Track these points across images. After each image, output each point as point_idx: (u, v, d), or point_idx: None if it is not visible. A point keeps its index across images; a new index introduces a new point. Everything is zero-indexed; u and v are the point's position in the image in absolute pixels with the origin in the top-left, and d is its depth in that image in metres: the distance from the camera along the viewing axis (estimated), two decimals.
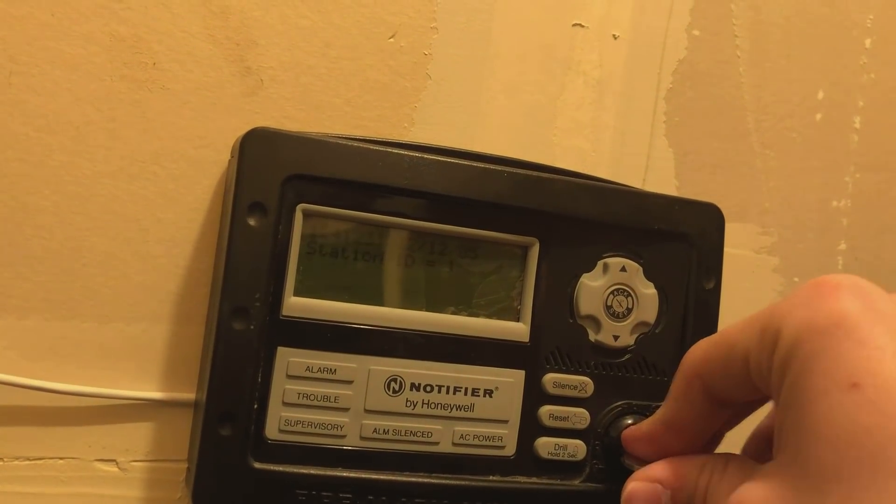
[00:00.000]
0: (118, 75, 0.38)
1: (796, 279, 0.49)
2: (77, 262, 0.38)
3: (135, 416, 0.39)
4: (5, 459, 0.38)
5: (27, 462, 0.38)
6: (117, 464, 0.39)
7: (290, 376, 0.37)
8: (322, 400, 0.37)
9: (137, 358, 0.39)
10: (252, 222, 0.36)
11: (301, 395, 0.37)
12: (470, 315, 0.39)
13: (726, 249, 0.47)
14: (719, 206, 0.43)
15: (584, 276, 0.41)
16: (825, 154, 0.50)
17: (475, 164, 0.39)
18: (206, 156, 0.40)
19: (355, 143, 0.38)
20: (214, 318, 0.36)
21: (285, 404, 0.37)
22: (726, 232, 0.48)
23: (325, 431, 0.37)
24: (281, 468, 0.36)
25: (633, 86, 0.47)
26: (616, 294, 0.41)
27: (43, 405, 0.38)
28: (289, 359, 0.37)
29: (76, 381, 0.38)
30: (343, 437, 0.37)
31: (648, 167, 0.47)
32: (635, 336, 0.42)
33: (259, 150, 0.36)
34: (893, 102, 0.52)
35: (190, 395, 0.40)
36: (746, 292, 0.49)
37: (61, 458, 0.38)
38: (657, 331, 0.42)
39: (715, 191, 0.48)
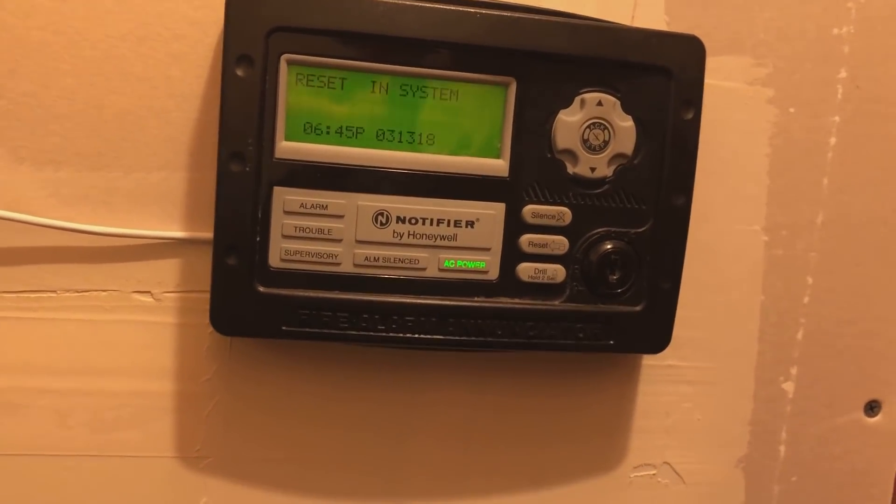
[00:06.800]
0: None
1: (792, 110, 0.50)
2: (99, 119, 0.43)
3: (163, 254, 0.45)
4: (58, 292, 0.44)
5: (76, 294, 0.44)
6: (152, 294, 0.45)
7: (286, 212, 0.41)
8: (317, 232, 0.42)
9: (161, 202, 0.44)
10: (240, 73, 0.40)
11: (298, 229, 0.41)
12: (451, 154, 0.43)
13: (718, 83, 0.49)
14: (711, 39, 0.44)
15: (561, 112, 0.43)
16: None
17: (450, 7, 0.41)
18: (206, 16, 0.43)
19: None
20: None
21: (284, 237, 0.41)
22: (719, 65, 0.48)
23: (322, 259, 0.42)
24: (285, 292, 0.42)
25: None
26: (593, 128, 0.43)
27: (83, 245, 0.44)
28: (284, 196, 0.41)
29: (110, 223, 0.44)
30: (338, 264, 0.42)
31: (637, 3, 0.48)
32: (613, 167, 0.44)
33: (243, 4, 0.39)
34: None
35: (208, 234, 0.45)
36: (739, 124, 0.50)
37: (104, 291, 0.45)
38: (635, 162, 0.44)
39: (707, 23, 0.48)
